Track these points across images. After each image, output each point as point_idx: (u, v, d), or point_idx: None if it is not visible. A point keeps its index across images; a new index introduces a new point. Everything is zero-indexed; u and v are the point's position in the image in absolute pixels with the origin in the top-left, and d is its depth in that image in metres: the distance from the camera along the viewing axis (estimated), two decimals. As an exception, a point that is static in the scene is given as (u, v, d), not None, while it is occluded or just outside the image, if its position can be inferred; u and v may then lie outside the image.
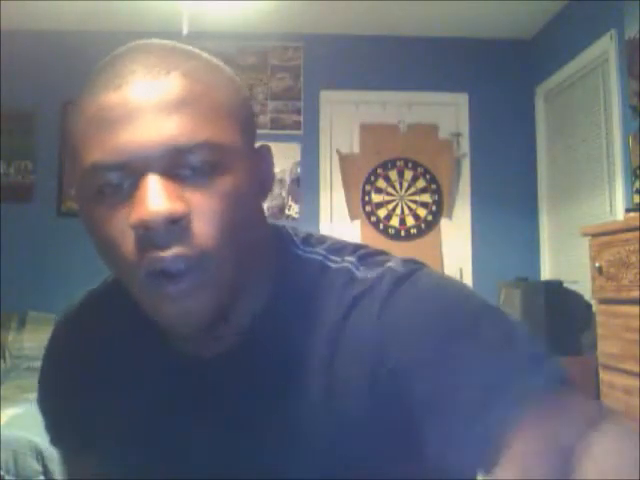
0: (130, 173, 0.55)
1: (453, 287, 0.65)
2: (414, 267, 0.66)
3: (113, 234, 0.56)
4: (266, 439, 0.64)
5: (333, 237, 0.74)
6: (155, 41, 0.62)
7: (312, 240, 0.71)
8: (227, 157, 0.57)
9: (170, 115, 0.55)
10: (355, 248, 0.70)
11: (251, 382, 0.65)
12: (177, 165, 0.55)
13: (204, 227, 0.55)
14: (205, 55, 0.62)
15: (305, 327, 0.64)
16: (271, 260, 0.68)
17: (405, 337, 0.59)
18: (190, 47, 0.63)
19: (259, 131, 0.65)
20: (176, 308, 0.56)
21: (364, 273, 0.66)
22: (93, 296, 0.77)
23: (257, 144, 0.65)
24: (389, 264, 0.66)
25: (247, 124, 0.62)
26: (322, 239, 0.72)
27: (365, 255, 0.68)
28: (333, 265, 0.68)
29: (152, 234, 0.54)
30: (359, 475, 0.60)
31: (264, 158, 0.66)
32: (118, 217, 0.55)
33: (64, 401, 0.76)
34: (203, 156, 0.55)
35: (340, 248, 0.70)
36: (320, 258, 0.68)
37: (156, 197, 0.53)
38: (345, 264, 0.67)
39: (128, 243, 0.55)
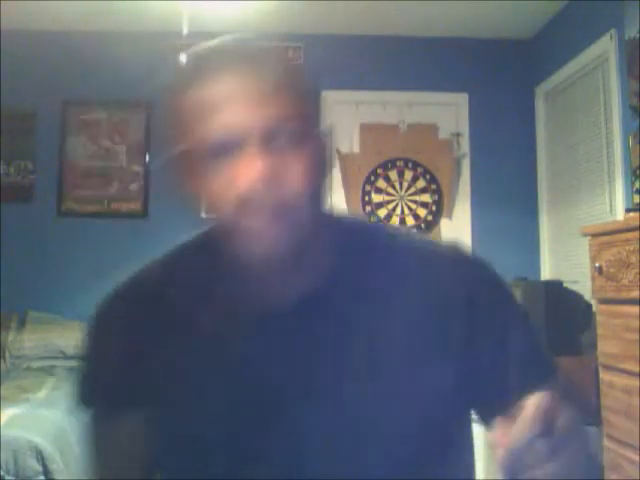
0: (235, 146, 0.70)
1: None
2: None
3: (222, 192, 0.72)
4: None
5: None
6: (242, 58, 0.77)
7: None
8: (299, 136, 0.73)
9: (262, 103, 0.72)
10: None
11: (340, 321, 0.77)
12: (268, 139, 0.71)
13: (288, 184, 0.71)
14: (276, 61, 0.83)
15: (382, 274, 0.79)
16: (328, 217, 0.83)
17: (483, 301, 0.78)
18: (265, 55, 0.80)
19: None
20: (265, 234, 0.71)
21: (427, 239, 0.86)
22: (183, 245, 0.87)
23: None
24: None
25: (314, 108, 0.81)
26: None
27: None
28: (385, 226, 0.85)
29: (251, 194, 0.69)
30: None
31: (323, 139, 0.80)
32: (226, 180, 0.71)
33: (128, 345, 0.79)
34: (287, 134, 0.72)
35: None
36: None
37: (254, 167, 0.69)
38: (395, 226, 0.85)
39: (233, 198, 0.71)
